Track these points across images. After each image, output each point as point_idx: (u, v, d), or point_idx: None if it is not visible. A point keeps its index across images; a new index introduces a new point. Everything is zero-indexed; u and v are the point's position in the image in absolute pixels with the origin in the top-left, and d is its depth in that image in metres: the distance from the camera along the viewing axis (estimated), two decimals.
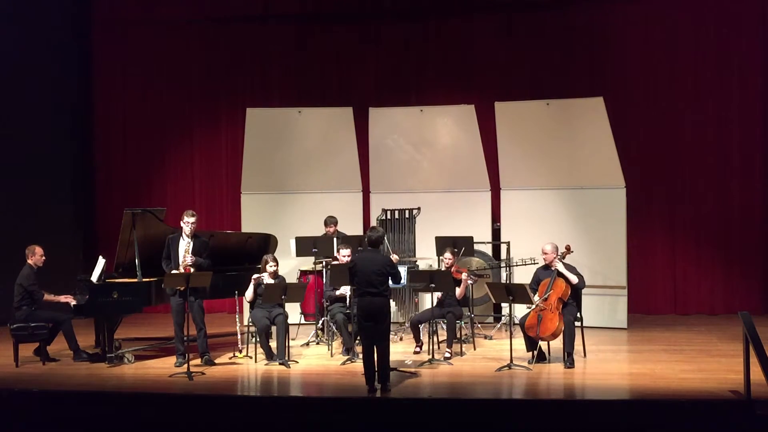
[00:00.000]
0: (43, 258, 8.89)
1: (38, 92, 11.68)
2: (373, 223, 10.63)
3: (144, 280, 8.58)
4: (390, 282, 7.36)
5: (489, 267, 10.47)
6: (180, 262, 8.27)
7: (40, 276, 8.86)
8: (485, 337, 9.83)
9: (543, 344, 8.31)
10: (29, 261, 8.83)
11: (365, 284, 7.22)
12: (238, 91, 12.37)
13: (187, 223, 8.34)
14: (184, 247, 8.32)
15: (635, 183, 10.82)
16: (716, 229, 11.32)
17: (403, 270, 8.57)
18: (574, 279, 8.25)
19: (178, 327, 8.33)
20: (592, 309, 9.63)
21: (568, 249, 8.45)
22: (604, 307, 10.32)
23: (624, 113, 11.20)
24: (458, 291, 8.75)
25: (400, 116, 11.15)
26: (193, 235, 8.40)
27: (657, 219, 11.47)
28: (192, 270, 8.16)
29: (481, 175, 10.95)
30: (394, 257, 8.17)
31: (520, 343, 8.50)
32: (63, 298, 8.89)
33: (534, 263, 9.11)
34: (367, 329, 7.28)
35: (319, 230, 10.00)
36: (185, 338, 8.26)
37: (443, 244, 9.62)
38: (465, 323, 9.46)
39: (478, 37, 11.91)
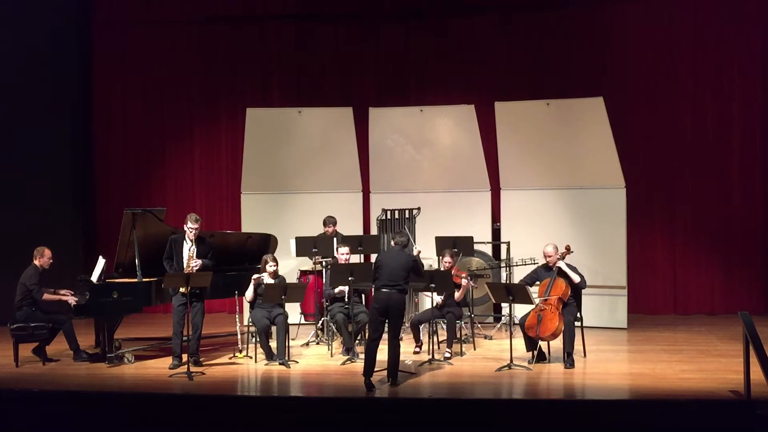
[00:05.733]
0: (51, 261, 8.86)
1: (38, 92, 11.65)
2: (373, 223, 10.72)
3: (144, 280, 8.58)
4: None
5: (489, 267, 10.47)
6: (184, 267, 8.25)
7: (41, 276, 8.83)
8: (485, 337, 9.83)
9: (543, 344, 8.31)
10: (35, 261, 8.79)
11: (387, 278, 7.41)
12: (238, 91, 12.35)
13: (191, 228, 8.31)
14: (187, 252, 8.31)
15: (635, 183, 10.81)
16: (716, 229, 11.32)
17: None
18: (576, 278, 8.25)
19: (178, 329, 8.31)
20: (592, 309, 9.62)
21: (568, 249, 8.44)
22: (604, 307, 10.31)
23: (624, 113, 11.19)
24: (457, 294, 8.76)
25: (400, 116, 11.15)
26: (197, 239, 8.38)
27: (657, 219, 11.46)
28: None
29: (481, 175, 10.95)
30: (417, 249, 8.59)
31: (520, 343, 8.51)
32: (63, 295, 8.84)
33: (534, 263, 9.11)
34: (379, 323, 7.39)
35: (319, 230, 10.00)
36: (184, 339, 8.26)
37: (443, 244, 9.61)
38: (465, 323, 9.46)
39: (478, 37, 11.89)
